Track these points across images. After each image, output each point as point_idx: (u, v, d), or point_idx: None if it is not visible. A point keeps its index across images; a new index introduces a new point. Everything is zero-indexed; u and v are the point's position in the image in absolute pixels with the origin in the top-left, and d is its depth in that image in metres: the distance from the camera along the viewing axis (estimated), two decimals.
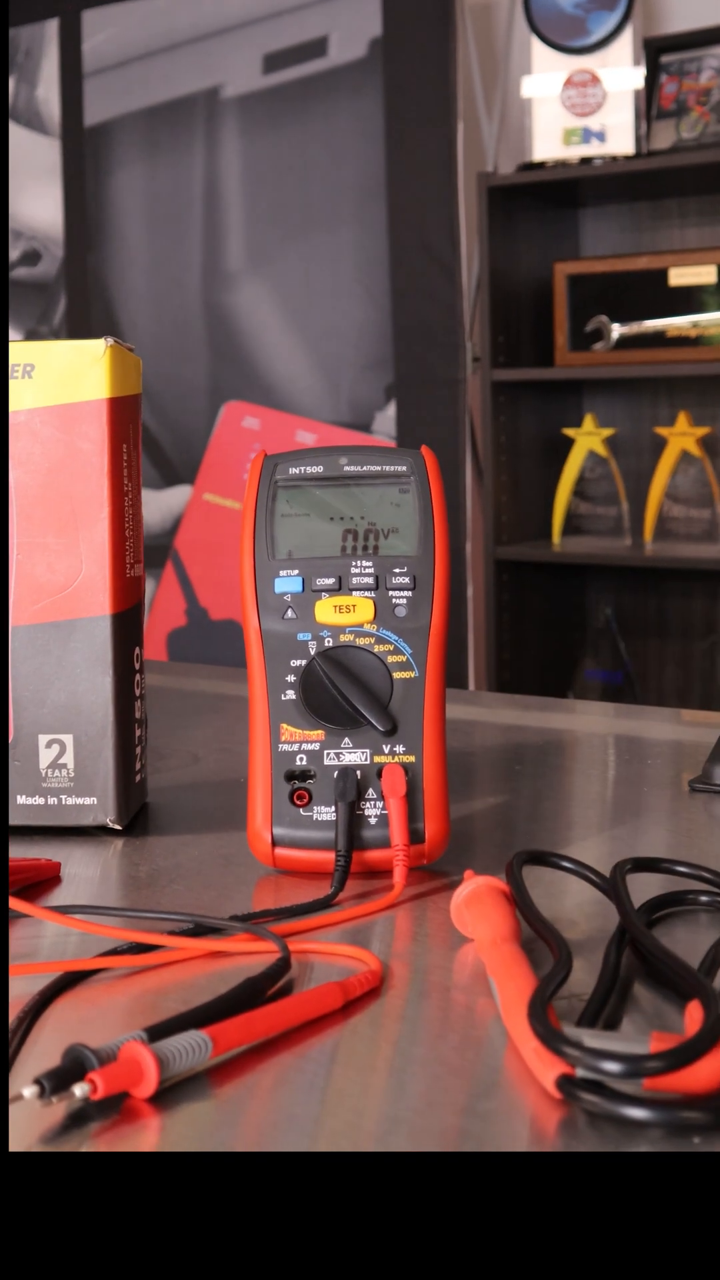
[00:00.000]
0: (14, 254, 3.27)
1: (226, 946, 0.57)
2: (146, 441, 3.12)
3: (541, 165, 2.65)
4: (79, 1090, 0.43)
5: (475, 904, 0.56)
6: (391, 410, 2.84)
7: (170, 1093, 0.46)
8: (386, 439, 2.84)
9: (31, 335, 3.24)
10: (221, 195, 2.99)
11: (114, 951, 0.57)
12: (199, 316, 3.04)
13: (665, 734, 1.04)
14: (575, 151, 2.63)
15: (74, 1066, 0.44)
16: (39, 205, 3.21)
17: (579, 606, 2.97)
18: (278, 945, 0.56)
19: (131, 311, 3.13)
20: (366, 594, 0.70)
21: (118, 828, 0.75)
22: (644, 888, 0.62)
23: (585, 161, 2.62)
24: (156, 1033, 0.47)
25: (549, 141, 2.66)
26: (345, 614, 0.69)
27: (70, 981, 0.55)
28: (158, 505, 3.11)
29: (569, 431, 2.77)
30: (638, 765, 0.92)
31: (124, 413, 0.75)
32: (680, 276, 2.59)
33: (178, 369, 3.06)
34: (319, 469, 0.72)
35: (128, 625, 0.76)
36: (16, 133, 3.22)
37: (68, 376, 0.74)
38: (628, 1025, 0.49)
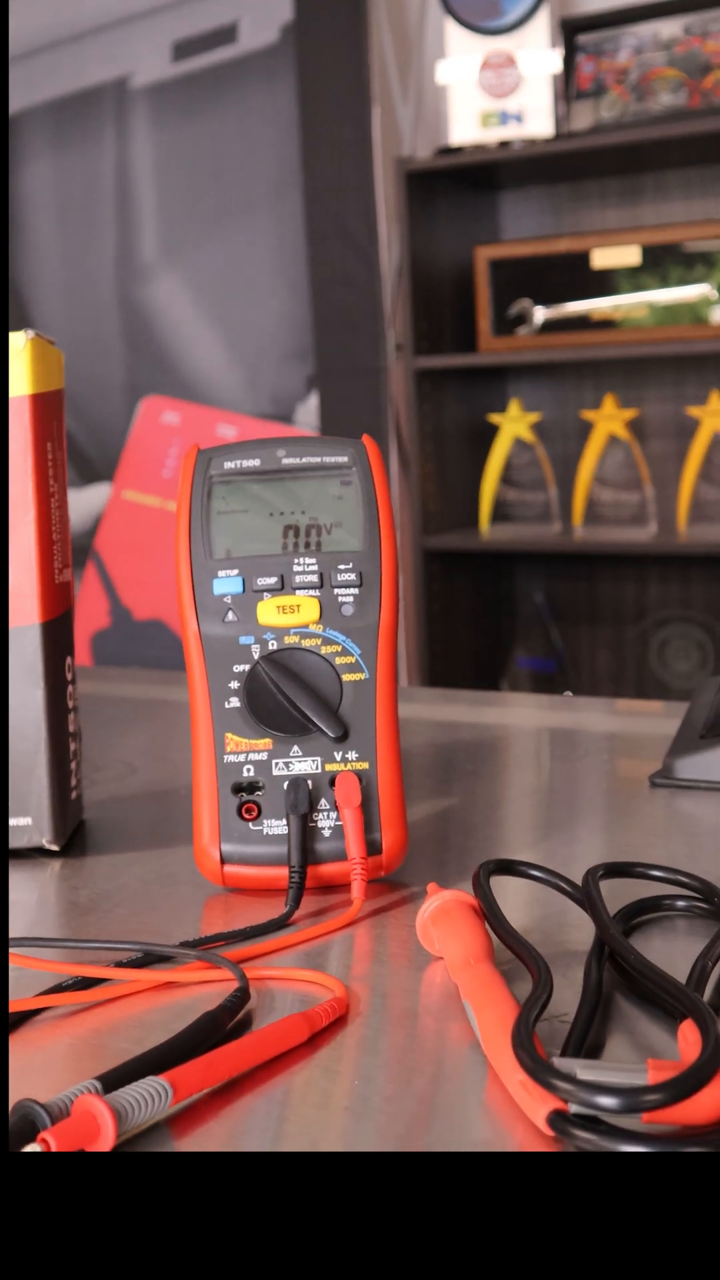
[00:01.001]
0: None
1: (179, 976, 0.53)
2: None
3: (459, 149, 2.62)
4: (31, 1150, 0.40)
5: (443, 920, 0.53)
6: (314, 401, 2.80)
7: (127, 1145, 0.42)
8: (309, 430, 2.80)
9: None
10: (134, 187, 2.94)
11: (57, 988, 0.53)
12: (114, 311, 2.98)
13: (602, 725, 1.01)
14: (493, 134, 2.60)
15: (24, 1125, 0.40)
16: None
17: (509, 594, 2.95)
18: (234, 973, 0.52)
19: (45, 307, 3.07)
20: (311, 593, 0.66)
21: (54, 849, 0.71)
22: (617, 894, 0.59)
23: (504, 144, 2.59)
24: (111, 1081, 0.43)
25: (466, 125, 2.62)
26: (289, 614, 0.66)
27: (12, 1024, 0.51)
28: (76, 504, 3.05)
29: (494, 418, 2.75)
30: (582, 759, 0.89)
31: (47, 409, 0.71)
32: (603, 258, 2.57)
33: (93, 365, 3.00)
34: (255, 462, 0.69)
35: (58, 633, 0.72)
36: None
37: None
38: (615, 1048, 0.46)
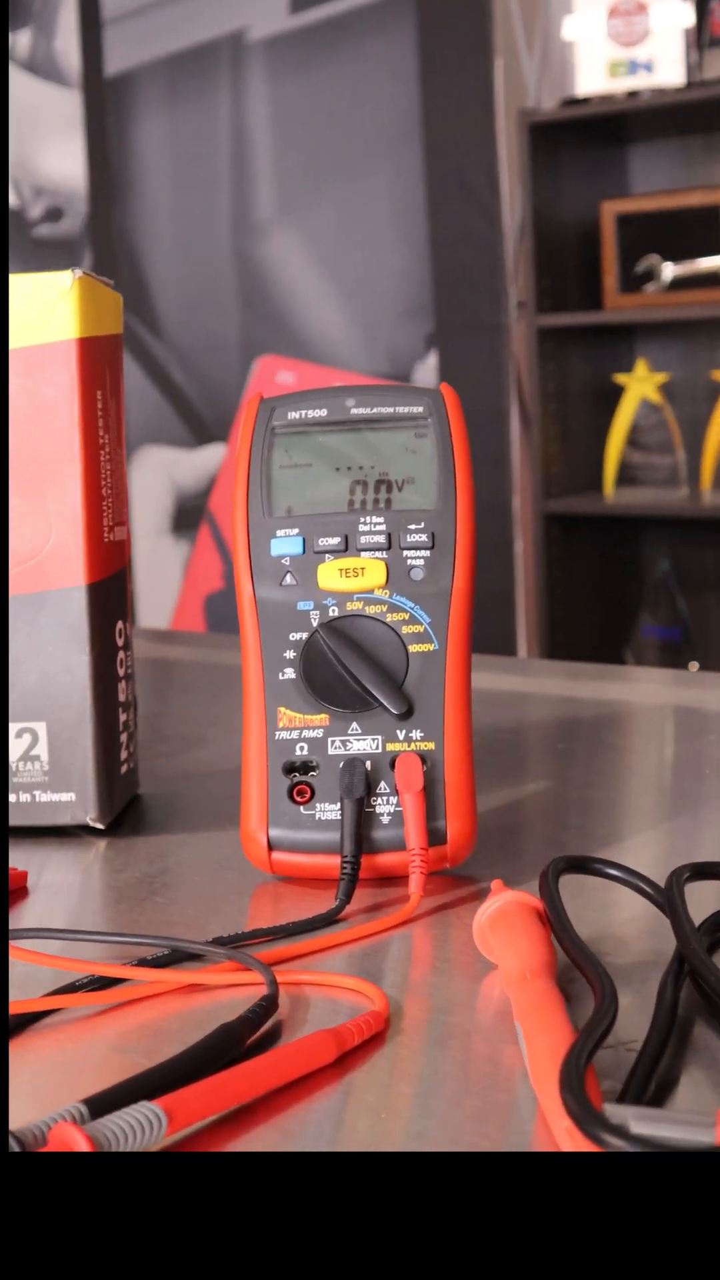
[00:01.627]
0: (36, 211, 3.17)
1: (206, 978, 0.48)
2: (178, 400, 3.03)
3: (586, 100, 2.52)
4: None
5: (502, 925, 0.46)
6: (432, 360, 2.73)
7: None
8: None
9: None
10: (249, 143, 2.88)
11: (69, 988, 0.47)
12: (229, 269, 2.93)
13: None
14: (621, 84, 2.50)
15: None
16: (60, 160, 3.12)
17: (634, 561, 2.86)
18: (265, 978, 0.46)
19: (159, 267, 3.03)
20: (377, 555, 0.60)
21: (100, 827, 0.66)
22: (707, 898, 0.52)
23: (632, 95, 2.49)
24: (99, 1105, 0.38)
25: (593, 75, 2.53)
26: (353, 578, 0.60)
27: (15, 1027, 0.45)
28: (191, 466, 3.01)
29: (620, 378, 2.65)
30: (700, 742, 0.82)
31: (98, 355, 0.66)
32: None
33: (208, 324, 2.96)
34: (322, 412, 0.63)
35: (107, 596, 0.66)
36: (35, 86, 3.12)
37: (31, 315, 0.64)
38: (690, 1088, 0.40)
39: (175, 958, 0.50)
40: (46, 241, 3.19)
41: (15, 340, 0.64)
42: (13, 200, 3.21)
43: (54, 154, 3.14)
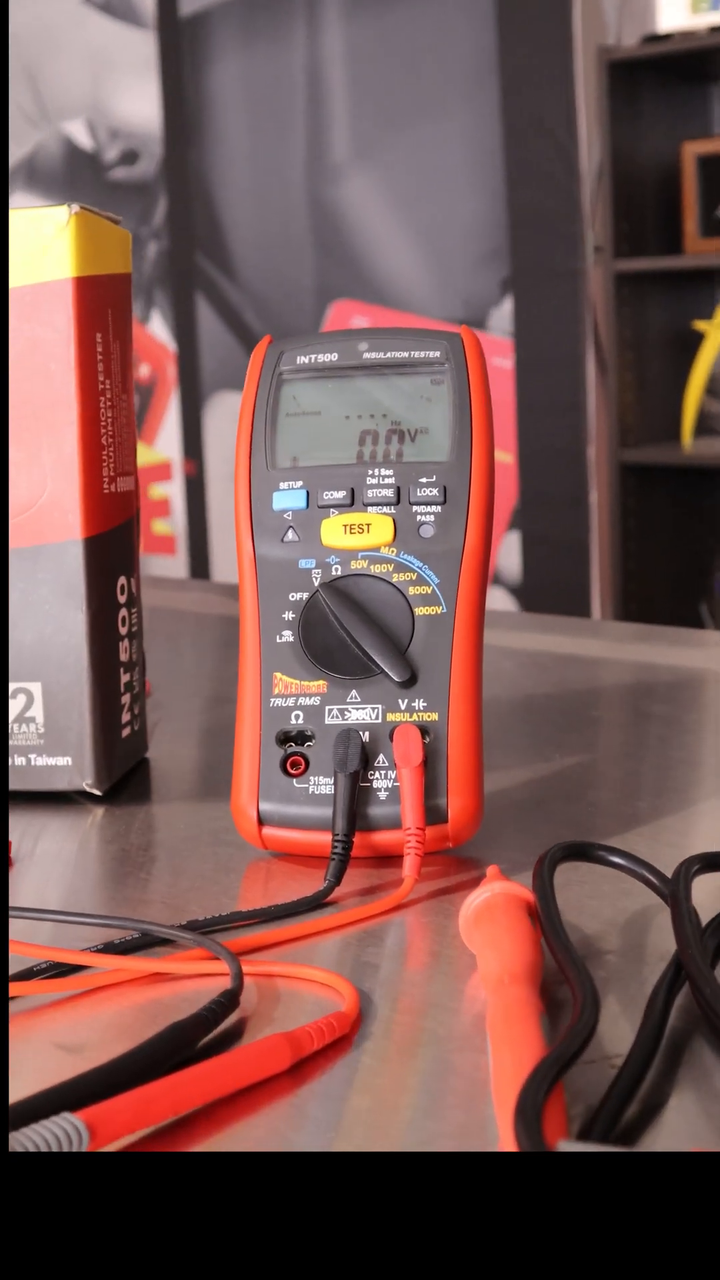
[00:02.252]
0: (111, 154, 3.14)
1: (170, 967, 0.44)
2: (252, 345, 2.99)
3: (668, 37, 2.44)
4: None
5: (487, 920, 0.43)
6: (508, 305, 2.66)
7: None
8: (503, 336, 2.67)
9: (132, 239, 3.12)
10: (324, 83, 2.82)
11: (25, 974, 0.44)
12: (303, 212, 2.88)
13: None
14: (705, 20, 2.42)
15: None
16: (135, 102, 3.07)
17: (711, 513, 2.78)
18: (230, 969, 0.43)
19: (234, 210, 2.98)
20: (385, 510, 0.56)
21: (97, 793, 0.63)
22: None
23: (716, 31, 2.40)
24: (19, 1115, 0.34)
25: (676, 10, 2.44)
26: (357, 535, 0.56)
27: None
28: None
29: (700, 324, 2.58)
30: None
31: (99, 295, 0.62)
32: None
33: (282, 268, 2.91)
34: (333, 357, 0.59)
35: (108, 550, 0.63)
36: (110, 27, 3.08)
37: (27, 253, 0.60)
38: (674, 1113, 0.36)
39: (144, 942, 0.47)
40: (122, 184, 3.16)
41: (10, 279, 0.60)
42: (88, 143, 3.18)
43: (129, 96, 3.10)
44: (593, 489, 2.62)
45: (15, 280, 0.60)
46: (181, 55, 3.00)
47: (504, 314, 2.67)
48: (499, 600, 2.74)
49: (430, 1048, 0.40)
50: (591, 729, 0.75)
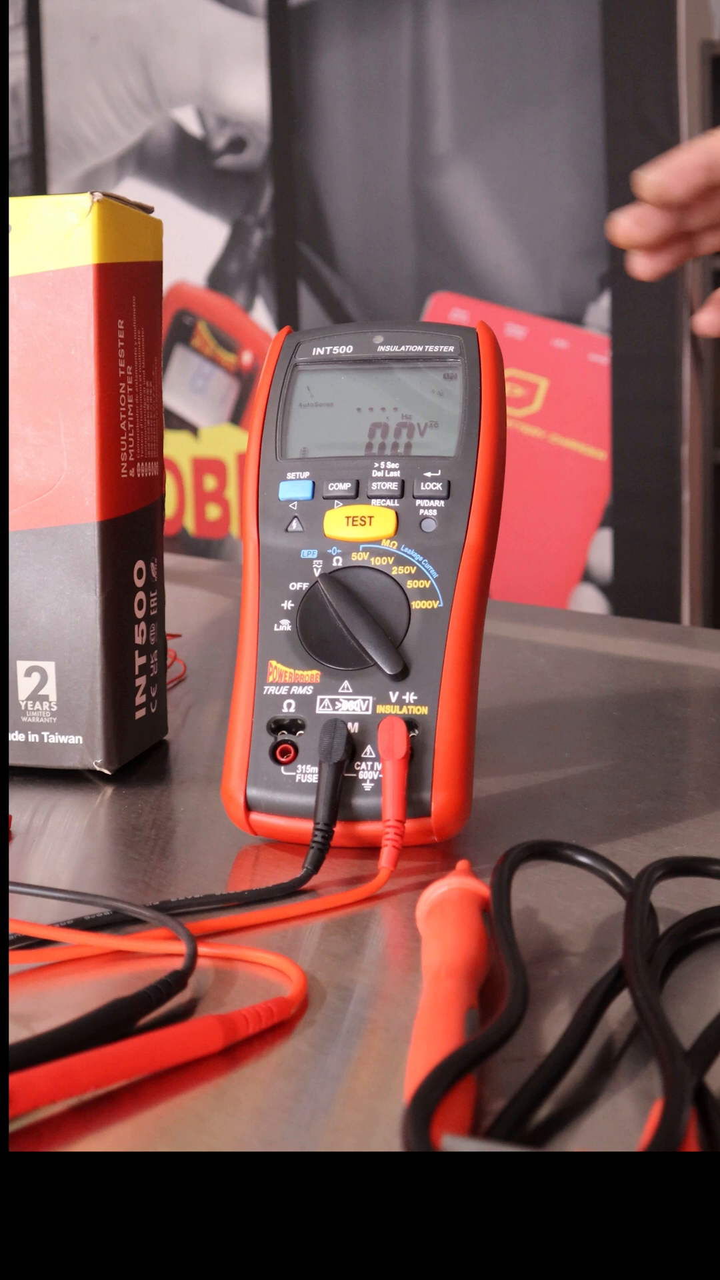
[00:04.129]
0: (220, 141, 3.16)
1: (130, 945, 0.45)
2: None
3: None
4: None
5: (437, 915, 0.43)
6: (606, 301, 2.64)
7: None
8: (599, 332, 2.65)
9: (238, 227, 3.13)
10: (429, 74, 2.82)
11: None
12: (406, 203, 2.88)
13: None
14: None
15: None
16: (244, 90, 3.09)
17: None
18: (186, 949, 0.43)
19: (337, 199, 2.99)
20: (388, 503, 0.56)
21: (106, 772, 0.64)
22: (707, 895, 0.48)
23: None
24: None
25: None
26: (359, 527, 0.56)
27: None
28: None
29: None
30: None
31: (122, 282, 0.63)
32: None
33: (384, 258, 2.91)
34: (348, 349, 0.59)
35: (125, 534, 0.64)
36: (221, 14, 3.10)
37: (50, 239, 0.61)
38: (600, 1118, 0.35)
39: (115, 920, 0.48)
40: (229, 172, 3.18)
41: (34, 265, 0.61)
42: (197, 130, 3.20)
43: (238, 84, 3.12)
44: (685, 489, 2.59)
45: (39, 265, 0.61)
46: (290, 44, 3.01)
47: (601, 310, 2.65)
48: (588, 599, 2.72)
49: (367, 1038, 0.40)
50: (608, 730, 0.75)
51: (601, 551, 2.72)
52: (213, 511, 3.17)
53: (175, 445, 3.16)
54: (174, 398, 3.20)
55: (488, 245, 2.79)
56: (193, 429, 3.19)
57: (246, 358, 3.23)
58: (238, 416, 3.17)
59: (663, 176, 0.63)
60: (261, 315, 3.18)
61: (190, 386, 3.21)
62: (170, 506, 3.16)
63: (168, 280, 3.06)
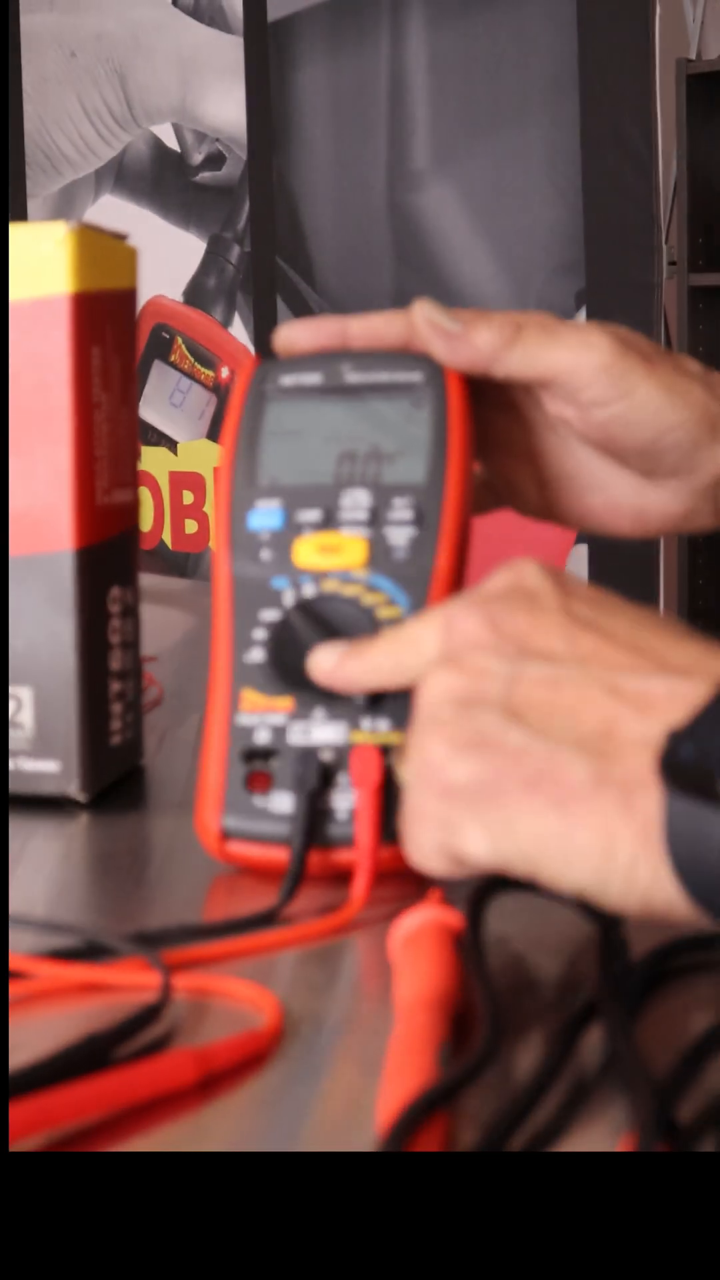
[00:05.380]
0: (198, 157, 3.16)
1: (105, 977, 0.45)
2: None
3: None
4: None
5: (411, 945, 0.43)
6: (582, 317, 2.65)
7: None
8: None
9: (215, 242, 3.14)
10: (407, 90, 2.83)
11: None
12: (384, 219, 2.89)
13: None
14: None
15: None
16: (222, 106, 3.10)
17: None
18: (162, 980, 0.44)
19: (316, 215, 3.00)
20: (358, 531, 0.57)
21: (82, 799, 0.64)
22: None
23: None
24: None
25: None
26: (330, 555, 0.56)
27: None
28: None
29: None
30: None
31: (97, 311, 0.63)
32: None
33: (362, 274, 2.92)
34: (316, 378, 0.60)
35: (101, 561, 0.64)
36: (199, 31, 3.11)
37: (26, 267, 0.62)
38: (564, 1142, 0.36)
39: (89, 950, 0.48)
40: (208, 187, 3.19)
41: (12, 293, 0.62)
42: (175, 146, 3.21)
43: (216, 100, 3.13)
44: None
45: (15, 294, 0.62)
46: (268, 60, 3.02)
47: None
48: None
49: (341, 1070, 0.40)
50: None
51: (578, 565, 2.72)
52: (190, 526, 3.17)
53: (153, 460, 3.16)
54: (152, 413, 3.19)
55: (465, 261, 2.80)
56: (171, 444, 3.19)
57: (225, 373, 3.23)
58: (215, 432, 3.17)
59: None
60: (239, 330, 3.18)
61: (168, 401, 3.21)
62: (148, 521, 3.16)
63: (145, 294, 3.06)
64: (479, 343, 0.59)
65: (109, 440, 0.64)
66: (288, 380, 0.60)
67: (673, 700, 0.39)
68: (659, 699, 0.39)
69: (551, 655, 0.42)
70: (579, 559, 2.70)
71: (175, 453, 3.19)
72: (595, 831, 0.38)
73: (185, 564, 3.18)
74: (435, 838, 0.42)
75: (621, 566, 2.66)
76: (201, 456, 3.16)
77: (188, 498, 3.18)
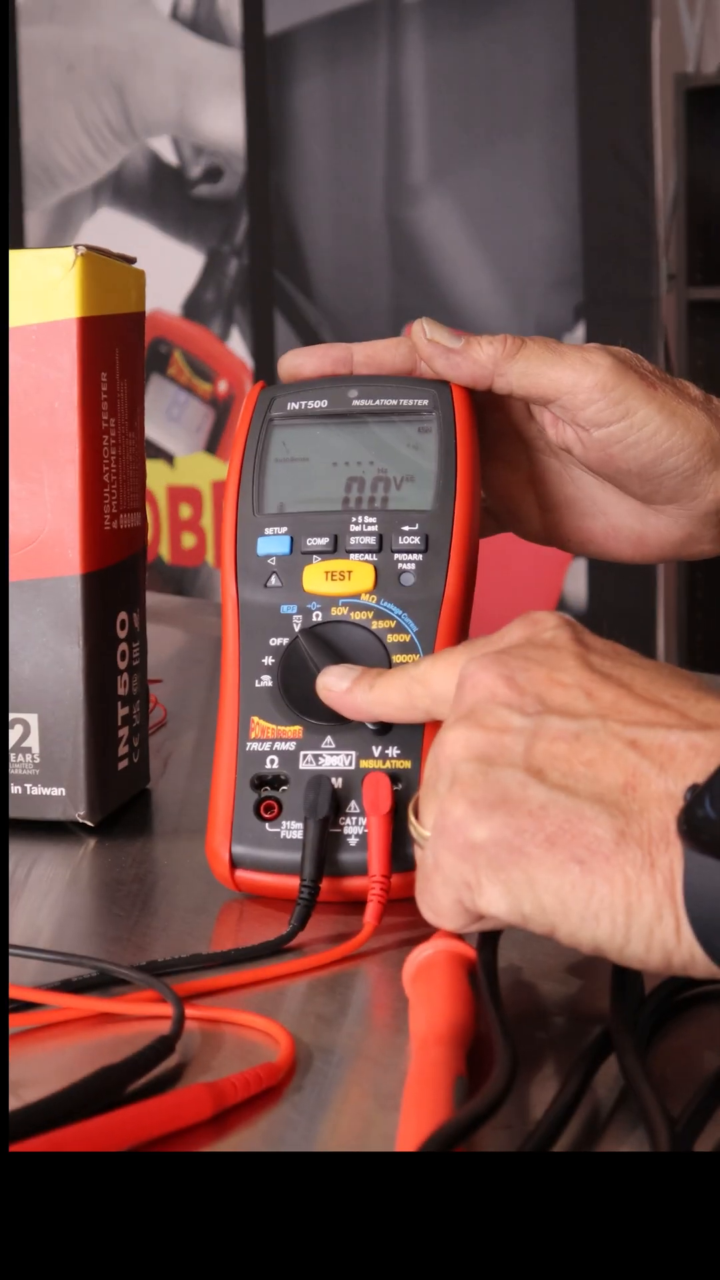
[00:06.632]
0: (196, 171, 3.17)
1: (117, 1008, 0.45)
2: None
3: None
4: None
5: (423, 979, 0.43)
6: (580, 331, 2.66)
7: None
8: None
9: (214, 255, 3.14)
10: (405, 104, 2.83)
11: None
12: (382, 232, 2.89)
13: None
14: None
15: None
16: (220, 120, 3.10)
17: None
18: (174, 1012, 0.43)
19: (314, 229, 3.00)
20: (366, 557, 0.57)
21: (90, 824, 0.64)
22: None
23: None
24: None
25: None
26: (338, 582, 0.56)
27: None
28: None
29: None
30: None
31: (104, 335, 0.63)
32: None
33: (360, 288, 2.93)
34: (323, 403, 0.60)
35: (108, 586, 0.64)
36: (197, 45, 3.11)
37: (34, 292, 0.62)
38: None
39: (100, 981, 0.48)
40: (206, 201, 3.19)
41: (17, 318, 0.62)
42: (173, 159, 3.21)
43: (214, 114, 3.13)
44: None
45: (23, 319, 0.62)
46: (266, 74, 3.02)
47: (576, 340, 2.67)
48: None
49: (353, 1104, 0.40)
50: None
51: (577, 580, 2.73)
52: (188, 540, 3.17)
53: (151, 474, 3.16)
54: (149, 426, 3.20)
55: (463, 275, 2.81)
56: (168, 458, 3.19)
57: (222, 386, 3.23)
58: (213, 445, 3.17)
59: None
60: (237, 344, 3.19)
61: (166, 415, 3.22)
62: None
63: None
64: (480, 356, 0.59)
65: (116, 464, 0.64)
66: (293, 405, 0.60)
67: (694, 754, 0.39)
68: (680, 752, 0.39)
69: (571, 709, 0.42)
70: (578, 573, 2.71)
71: (172, 466, 3.19)
72: (617, 888, 0.38)
73: (183, 578, 3.18)
74: (453, 895, 0.42)
75: (620, 579, 2.66)
76: (199, 470, 3.17)
77: (185, 512, 3.18)
